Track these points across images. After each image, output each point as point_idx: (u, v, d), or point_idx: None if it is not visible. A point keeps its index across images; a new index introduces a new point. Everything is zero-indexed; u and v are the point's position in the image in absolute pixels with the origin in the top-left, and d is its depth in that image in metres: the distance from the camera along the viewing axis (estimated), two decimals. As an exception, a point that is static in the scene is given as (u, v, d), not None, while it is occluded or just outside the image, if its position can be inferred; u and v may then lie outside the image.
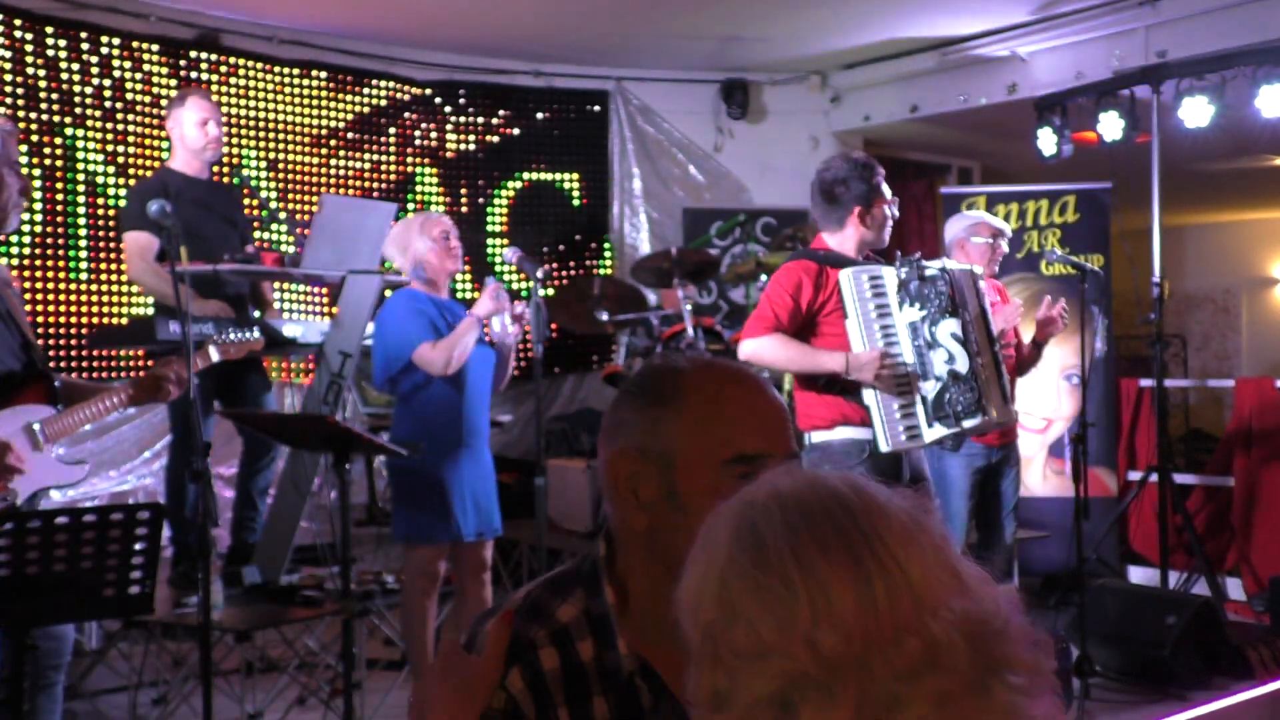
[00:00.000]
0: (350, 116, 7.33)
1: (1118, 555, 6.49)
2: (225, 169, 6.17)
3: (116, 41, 6.34)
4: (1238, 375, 11.64)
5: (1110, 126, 6.08)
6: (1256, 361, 12.54)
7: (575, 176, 8.19)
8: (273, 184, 6.97)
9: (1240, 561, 6.13)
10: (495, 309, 4.19)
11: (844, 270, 3.81)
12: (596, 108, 8.23)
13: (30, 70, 6.04)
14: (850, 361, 3.72)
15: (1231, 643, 4.77)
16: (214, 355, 3.68)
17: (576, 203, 8.19)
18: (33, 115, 6.02)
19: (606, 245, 8.29)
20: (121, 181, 6.23)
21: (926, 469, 4.05)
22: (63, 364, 5.90)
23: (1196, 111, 5.82)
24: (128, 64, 6.39)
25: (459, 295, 6.98)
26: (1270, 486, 6.03)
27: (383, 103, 7.47)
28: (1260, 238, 12.92)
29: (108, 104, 6.29)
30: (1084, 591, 4.70)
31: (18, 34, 6.01)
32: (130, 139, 6.35)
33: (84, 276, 6.12)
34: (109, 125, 6.29)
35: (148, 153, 6.37)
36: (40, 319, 5.89)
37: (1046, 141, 6.38)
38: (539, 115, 8.05)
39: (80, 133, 6.17)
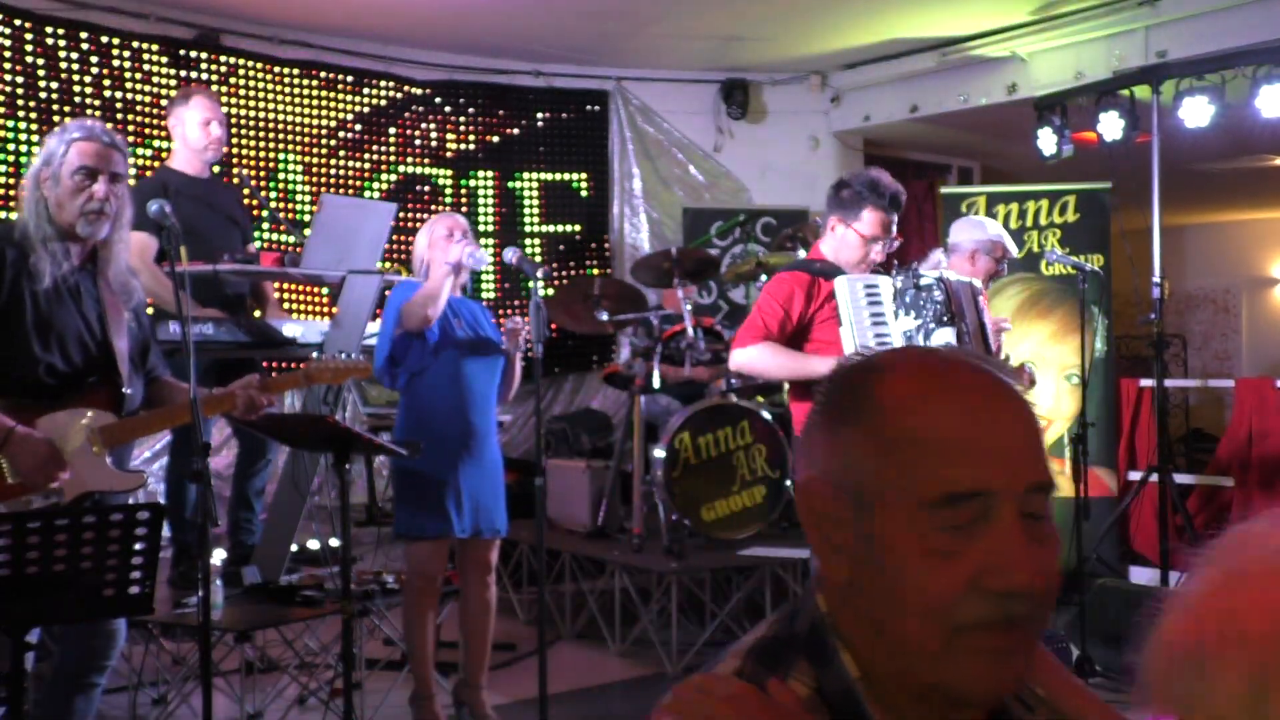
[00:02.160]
0: (350, 116, 7.33)
1: (1118, 555, 6.48)
2: (230, 168, 6.16)
3: (117, 41, 6.34)
4: (1238, 375, 11.65)
5: (1110, 126, 6.08)
6: (1256, 361, 12.54)
7: (575, 176, 8.19)
8: (273, 184, 6.97)
9: (1240, 561, 6.12)
10: (457, 255, 4.14)
11: (840, 277, 3.80)
12: (596, 108, 8.23)
13: (30, 70, 6.04)
14: None
15: (1231, 643, 4.76)
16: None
17: (576, 202, 8.20)
18: (32, 115, 6.02)
19: (606, 245, 8.29)
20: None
21: None
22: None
23: (1196, 111, 5.82)
24: (128, 64, 6.39)
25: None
26: (1270, 486, 6.03)
27: (383, 103, 7.47)
28: (1260, 238, 12.92)
29: (107, 104, 6.28)
30: (1084, 591, 4.70)
31: (17, 34, 6.01)
32: (130, 139, 6.34)
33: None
34: (108, 125, 6.28)
35: (148, 152, 6.36)
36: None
37: (1046, 141, 6.38)
38: (539, 115, 8.05)
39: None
